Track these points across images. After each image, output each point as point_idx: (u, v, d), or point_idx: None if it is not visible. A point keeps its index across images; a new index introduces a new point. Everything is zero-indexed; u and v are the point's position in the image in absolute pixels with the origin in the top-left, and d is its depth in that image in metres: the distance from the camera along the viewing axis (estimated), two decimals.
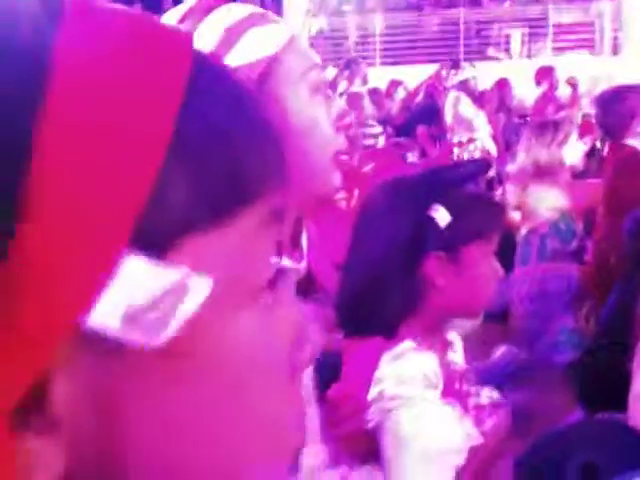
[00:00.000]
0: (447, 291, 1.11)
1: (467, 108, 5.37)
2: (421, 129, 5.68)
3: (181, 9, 0.83)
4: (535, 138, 3.03)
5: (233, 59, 0.79)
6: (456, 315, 1.16)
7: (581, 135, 3.66)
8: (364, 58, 10.01)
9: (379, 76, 8.21)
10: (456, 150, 4.35)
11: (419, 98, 6.54)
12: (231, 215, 0.29)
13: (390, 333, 1.09)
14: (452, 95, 5.53)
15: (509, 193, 3.27)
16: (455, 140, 4.34)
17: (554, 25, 10.11)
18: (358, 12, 11.06)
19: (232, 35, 0.79)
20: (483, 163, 1.21)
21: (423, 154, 4.94)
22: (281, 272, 0.33)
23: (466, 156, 4.31)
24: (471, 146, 4.28)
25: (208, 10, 0.82)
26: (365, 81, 6.85)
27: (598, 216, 2.66)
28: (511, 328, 3.13)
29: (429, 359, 1.08)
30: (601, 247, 2.61)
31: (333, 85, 5.77)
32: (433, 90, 6.03)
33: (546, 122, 3.18)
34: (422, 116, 5.80)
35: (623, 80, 8.26)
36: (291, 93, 0.82)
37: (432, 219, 1.09)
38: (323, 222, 2.90)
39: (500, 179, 4.28)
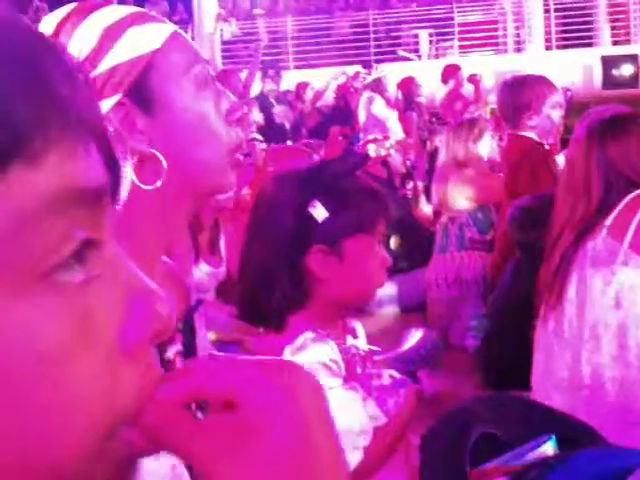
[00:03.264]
0: (332, 283, 1.13)
1: (380, 108, 5.47)
2: (334, 129, 5.76)
3: (62, 11, 0.83)
4: (453, 137, 3.16)
5: (114, 57, 0.79)
6: (346, 304, 1.19)
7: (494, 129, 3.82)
8: (277, 61, 10.07)
9: (292, 79, 8.27)
10: (372, 146, 4.41)
11: (331, 99, 6.63)
12: None
13: (280, 325, 1.12)
14: (365, 95, 5.62)
15: (433, 189, 3.38)
16: (370, 137, 4.42)
17: (459, 24, 10.41)
18: (269, 16, 11.10)
19: (112, 33, 0.80)
20: (361, 156, 1.24)
21: (334, 152, 5.02)
22: (97, 246, 0.31)
23: (383, 153, 4.39)
24: (387, 143, 4.36)
25: (90, 11, 0.82)
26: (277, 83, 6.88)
27: (501, 206, 2.77)
28: (428, 313, 3.23)
29: (328, 347, 1.11)
30: (502, 235, 2.72)
31: (246, 87, 5.77)
32: (345, 91, 6.11)
33: (462, 122, 3.32)
34: (335, 117, 5.88)
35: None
36: (175, 88, 0.83)
37: (312, 215, 1.12)
38: (241, 226, 2.91)
39: (412, 175, 4.39)
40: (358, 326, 1.26)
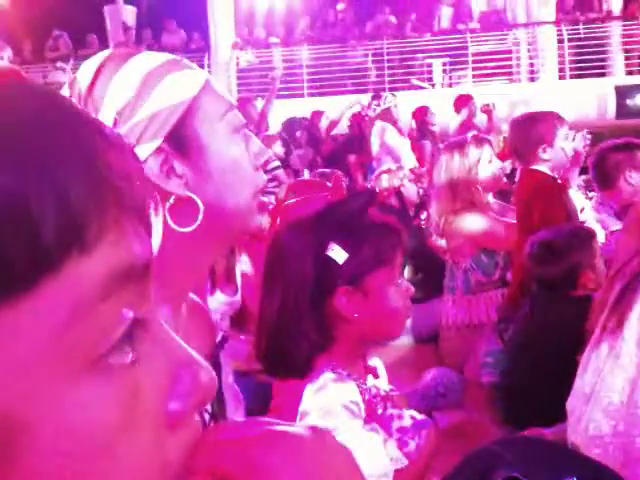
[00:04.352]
0: (359, 321, 1.14)
1: (393, 137, 5.50)
2: (352, 158, 5.79)
3: (98, 59, 0.84)
4: (448, 158, 3.08)
5: (153, 104, 0.81)
6: (372, 341, 1.20)
7: (502, 158, 3.79)
8: (292, 89, 10.16)
9: (306, 107, 8.33)
10: (385, 177, 4.42)
11: (346, 128, 6.67)
12: (33, 285, 0.27)
13: (306, 371, 1.11)
14: (378, 125, 5.65)
15: (433, 216, 3.32)
16: (384, 168, 4.43)
17: (473, 54, 10.48)
18: (285, 44, 11.22)
19: (150, 80, 0.82)
20: (370, 192, 1.24)
21: (351, 182, 5.03)
22: (143, 323, 0.31)
23: (396, 183, 4.39)
24: (400, 173, 4.37)
25: (126, 57, 0.84)
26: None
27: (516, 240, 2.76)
28: (441, 350, 3.20)
29: (349, 388, 1.11)
30: (518, 270, 2.71)
31: (263, 116, 5.81)
32: (359, 120, 6.15)
33: (455, 142, 3.22)
34: (350, 146, 5.91)
35: (540, 105, 8.62)
36: (211, 133, 0.84)
37: (331, 257, 1.12)
38: (256, 255, 2.91)
39: (426, 204, 4.39)
40: (379, 365, 1.25)
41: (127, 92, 0.80)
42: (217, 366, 0.93)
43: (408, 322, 3.61)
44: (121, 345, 0.30)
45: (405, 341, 3.54)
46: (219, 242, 0.89)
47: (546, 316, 2.25)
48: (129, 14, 11.23)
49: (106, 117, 0.80)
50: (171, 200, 0.81)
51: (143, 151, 0.80)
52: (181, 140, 0.82)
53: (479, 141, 3.03)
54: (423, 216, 4.22)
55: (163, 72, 0.82)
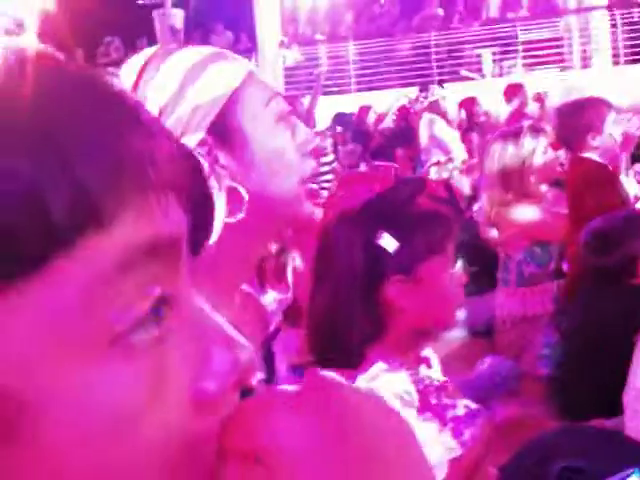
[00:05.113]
0: (411, 310, 1.13)
1: (442, 129, 5.44)
2: (399, 152, 5.75)
3: (143, 55, 0.86)
4: (501, 147, 3.02)
5: (196, 97, 0.82)
6: (424, 330, 1.19)
7: (556, 147, 3.70)
8: (339, 86, 10.15)
9: (354, 102, 8.32)
10: (435, 169, 4.38)
11: (392, 122, 6.63)
12: (46, 263, 0.27)
13: (359, 362, 1.11)
14: (426, 117, 5.61)
15: (484, 206, 3.27)
16: (433, 160, 4.40)
17: (524, 42, 10.28)
18: (331, 40, 11.22)
19: (193, 74, 0.83)
20: (419, 180, 1.24)
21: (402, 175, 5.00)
22: (174, 300, 0.31)
23: (446, 175, 4.35)
24: (449, 165, 4.32)
25: (169, 54, 0.85)
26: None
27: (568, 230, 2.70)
28: (497, 343, 3.16)
29: (401, 378, 1.10)
30: (573, 260, 2.65)
31: (309, 113, 5.83)
32: (406, 113, 6.11)
33: (509, 131, 3.16)
34: (397, 139, 5.88)
35: (594, 92, 8.40)
36: (254, 124, 0.85)
37: (382, 247, 1.12)
38: (308, 251, 2.91)
39: (477, 196, 4.33)
40: (432, 356, 1.24)
41: (170, 87, 0.81)
42: (270, 356, 0.94)
43: (462, 315, 3.59)
44: (146, 322, 0.29)
45: (459, 334, 3.50)
46: (268, 231, 0.90)
47: (603, 306, 2.20)
48: (177, 17, 11.38)
49: (154, 112, 0.81)
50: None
51: (189, 143, 0.81)
52: (224, 131, 0.83)
53: (535, 131, 2.98)
54: (475, 208, 4.17)
55: (205, 65, 0.84)
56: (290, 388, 0.35)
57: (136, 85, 0.83)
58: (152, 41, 11.43)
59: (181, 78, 0.82)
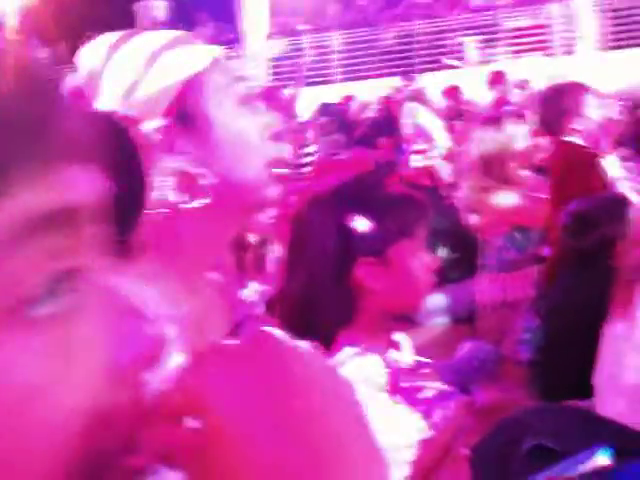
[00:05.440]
0: (381, 293, 1.14)
1: (425, 118, 5.45)
2: (383, 141, 5.76)
3: (104, 39, 0.86)
4: (483, 133, 3.05)
5: (156, 80, 0.82)
6: (394, 313, 1.19)
7: (538, 134, 3.72)
8: (323, 76, 10.13)
9: (338, 92, 8.31)
10: (417, 157, 4.39)
11: (375, 111, 6.64)
12: None
13: (328, 343, 1.12)
14: (409, 106, 5.61)
15: (465, 193, 3.29)
16: (415, 148, 4.41)
17: (507, 30, 10.29)
18: (316, 31, 11.19)
19: (154, 57, 0.83)
20: (388, 164, 1.24)
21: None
22: (78, 274, 0.30)
23: (428, 163, 4.36)
24: (431, 152, 4.34)
25: (130, 37, 0.85)
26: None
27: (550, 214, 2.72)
28: (478, 328, 3.18)
29: (371, 362, 1.11)
30: (553, 244, 2.67)
31: (290, 103, 5.82)
32: (390, 102, 6.11)
33: (491, 117, 3.19)
34: (381, 128, 5.88)
35: (578, 78, 8.41)
36: (215, 107, 0.85)
37: (353, 228, 1.13)
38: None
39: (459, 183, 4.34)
40: (402, 339, 1.25)
41: (131, 71, 0.81)
42: None
43: (444, 302, 3.60)
44: (45, 296, 0.29)
45: (441, 321, 3.52)
46: (233, 216, 0.89)
47: (581, 289, 2.21)
48: (160, 9, 11.33)
49: (112, 97, 0.81)
50: (177, 176, 0.81)
51: (146, 128, 0.81)
52: (185, 115, 0.83)
53: (516, 117, 3.00)
54: (457, 194, 4.18)
55: (166, 49, 0.83)
56: (232, 343, 0.35)
57: (98, 70, 0.83)
58: None
59: (142, 63, 0.82)
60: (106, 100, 0.82)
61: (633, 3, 10.12)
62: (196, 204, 0.82)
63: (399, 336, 1.25)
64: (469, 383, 2.37)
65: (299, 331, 1.17)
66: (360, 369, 1.10)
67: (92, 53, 0.84)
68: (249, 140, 0.87)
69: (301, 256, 1.18)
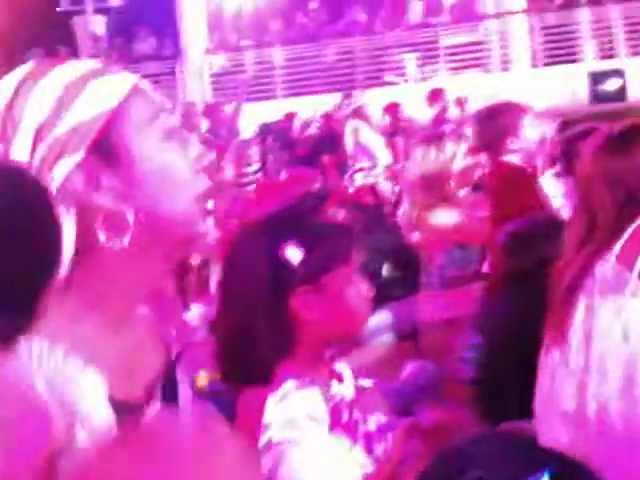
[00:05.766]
0: (318, 322, 1.13)
1: (366, 135, 5.51)
2: (326, 158, 5.78)
3: (19, 72, 0.82)
4: (423, 151, 3.08)
5: (75, 115, 0.79)
6: (333, 342, 1.19)
7: (476, 152, 3.78)
8: (266, 91, 10.13)
9: (280, 108, 8.31)
10: (360, 175, 4.42)
11: (317, 128, 6.67)
12: None
13: (268, 378, 1.10)
14: (351, 124, 5.66)
15: (406, 210, 3.31)
16: (358, 166, 4.45)
17: (445, 47, 10.50)
18: (257, 46, 11.19)
19: (72, 90, 0.79)
20: (322, 192, 1.25)
21: (326, 183, 5.02)
22: None
23: (371, 181, 4.39)
24: (374, 171, 4.38)
25: (46, 70, 0.81)
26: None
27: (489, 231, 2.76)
28: (421, 346, 3.19)
29: (312, 396, 1.09)
30: (493, 263, 2.70)
31: (232, 120, 5.80)
32: (331, 120, 6.15)
33: (432, 135, 3.23)
34: (323, 146, 5.90)
35: (514, 95, 8.64)
36: (140, 141, 0.81)
37: (287, 258, 1.12)
38: None
39: (401, 201, 4.38)
40: (344, 370, 1.24)
41: (47, 106, 0.77)
42: (172, 384, 0.91)
43: (389, 319, 3.60)
44: None
45: (386, 339, 3.53)
46: (162, 253, 0.86)
47: (520, 308, 2.24)
48: (98, 24, 11.16)
49: (26, 134, 0.77)
50: (101, 214, 0.78)
51: (66, 166, 0.77)
52: (107, 150, 0.79)
53: (457, 136, 3.04)
54: (400, 212, 4.21)
55: (84, 81, 0.80)
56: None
57: (10, 105, 0.79)
58: (73, 48, 11.15)
59: (58, 96, 0.78)
60: (19, 142, 0.78)
61: (564, 21, 10.47)
62: (122, 242, 0.79)
63: (340, 366, 1.24)
64: (414, 405, 2.37)
65: (235, 366, 1.16)
66: (301, 404, 1.08)
67: (9, 85, 0.80)
68: (176, 174, 0.84)
69: (235, 287, 1.16)
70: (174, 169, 0.84)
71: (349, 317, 1.16)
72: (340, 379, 1.20)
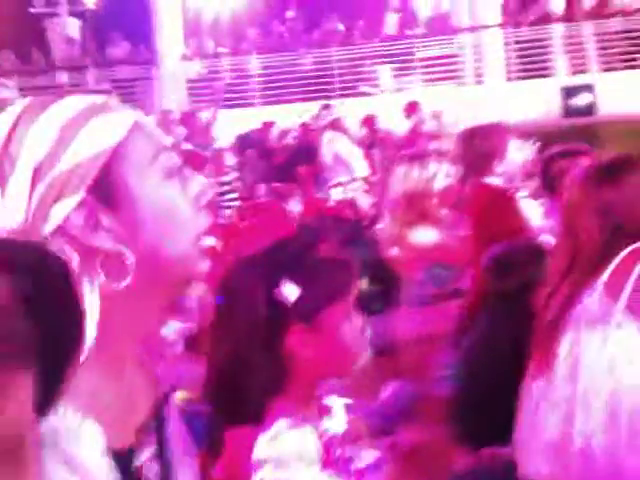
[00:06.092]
0: (313, 360, 1.11)
1: (344, 147, 5.51)
2: (303, 170, 5.77)
3: (16, 107, 0.80)
4: (406, 170, 3.09)
5: (73, 154, 0.76)
6: (327, 379, 1.17)
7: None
8: (243, 99, 10.10)
9: (257, 116, 8.29)
10: (338, 190, 4.42)
11: (295, 139, 6.67)
12: None
13: (261, 416, 1.08)
14: (328, 135, 5.66)
15: (387, 226, 3.32)
16: (335, 181, 4.45)
17: (421, 59, 10.58)
18: (234, 54, 11.16)
19: (71, 128, 0.77)
20: (320, 228, 1.24)
21: (304, 196, 5.02)
22: None
23: (349, 195, 4.40)
24: (353, 185, 4.38)
25: (44, 106, 0.79)
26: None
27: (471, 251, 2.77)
28: (400, 364, 3.19)
29: (305, 434, 1.08)
30: (474, 281, 2.72)
31: (208, 127, 5.77)
32: (308, 130, 6.15)
33: (415, 154, 3.24)
34: (300, 157, 5.90)
35: (487, 108, 8.73)
36: (140, 181, 0.79)
37: (283, 295, 1.10)
38: (211, 279, 2.85)
39: (381, 215, 4.39)
40: (335, 403, 1.22)
41: (45, 144, 0.75)
42: (162, 422, 0.89)
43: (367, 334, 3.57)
44: None
45: (364, 355, 3.52)
46: (161, 294, 0.85)
47: (500, 331, 2.25)
48: (72, 27, 11.03)
49: (24, 173, 0.75)
50: (101, 255, 0.76)
51: (65, 206, 0.75)
52: (107, 190, 0.77)
53: (440, 155, 3.07)
54: (378, 226, 4.23)
55: (84, 119, 0.77)
56: None
57: (7, 143, 0.76)
58: (46, 51, 11.00)
59: (57, 135, 0.76)
60: (16, 181, 0.75)
61: (538, 36, 10.62)
62: (121, 284, 0.77)
63: (331, 400, 1.23)
64: (395, 425, 2.37)
65: (227, 403, 1.14)
66: (292, 444, 1.07)
67: (2, 125, 0.77)
68: (177, 214, 0.82)
69: (229, 323, 1.14)
70: (175, 209, 0.82)
71: (344, 354, 1.15)
72: (330, 413, 1.19)
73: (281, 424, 1.07)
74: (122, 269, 0.77)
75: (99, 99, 0.83)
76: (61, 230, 0.76)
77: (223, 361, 1.13)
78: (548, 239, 2.86)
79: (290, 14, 11.45)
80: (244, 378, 1.10)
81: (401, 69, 10.56)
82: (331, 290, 1.14)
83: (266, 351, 1.10)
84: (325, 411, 1.18)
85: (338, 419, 1.20)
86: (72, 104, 0.79)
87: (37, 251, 0.62)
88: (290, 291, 1.10)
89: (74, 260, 0.74)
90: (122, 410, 0.81)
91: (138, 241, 0.79)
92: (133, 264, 0.78)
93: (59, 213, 0.75)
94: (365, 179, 4.95)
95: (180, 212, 0.82)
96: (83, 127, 0.77)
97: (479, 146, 2.69)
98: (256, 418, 1.10)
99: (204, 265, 0.86)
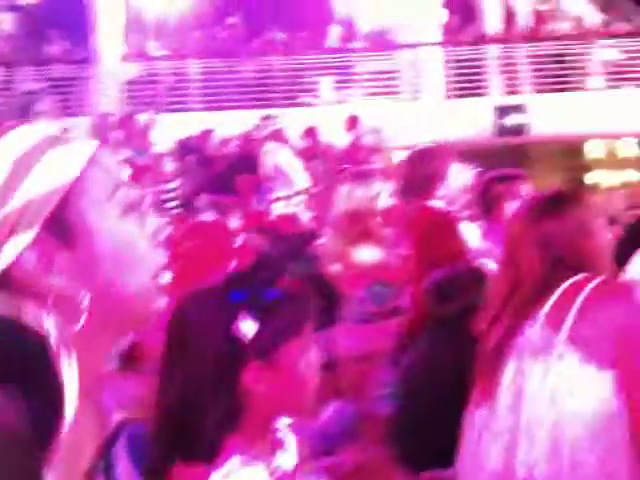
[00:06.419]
0: (268, 396, 1.10)
1: (285, 159, 5.52)
2: (242, 180, 5.74)
3: None
4: (351, 188, 3.15)
5: (27, 190, 0.74)
6: (281, 414, 1.16)
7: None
8: (182, 103, 9.98)
9: (196, 121, 8.21)
10: (280, 204, 4.42)
11: (235, 147, 6.63)
12: None
13: (214, 454, 1.07)
14: (269, 146, 5.65)
15: (329, 243, 3.35)
16: (276, 195, 4.44)
17: (360, 73, 10.69)
18: (175, 57, 11.01)
19: (24, 163, 0.74)
20: (279, 263, 1.23)
21: (245, 208, 4.99)
22: None
23: (290, 210, 4.40)
24: (295, 199, 4.38)
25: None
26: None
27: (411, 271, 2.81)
28: (339, 381, 3.21)
29: (256, 472, 1.07)
30: (414, 301, 2.76)
31: (146, 130, 5.67)
32: (249, 140, 6.12)
33: (361, 173, 3.31)
34: (240, 167, 5.86)
35: (423, 124, 8.87)
36: (96, 217, 0.77)
37: (241, 331, 1.08)
38: None
39: (321, 230, 4.41)
40: (288, 436, 1.22)
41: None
42: (110, 463, 0.87)
43: None
44: None
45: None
46: (116, 333, 0.83)
47: (443, 352, 2.30)
48: (7, 22, 10.68)
49: None
50: (54, 295, 0.73)
51: (17, 244, 0.72)
52: (62, 226, 0.74)
53: (385, 175, 3.13)
54: (320, 242, 4.24)
55: (39, 152, 0.75)
56: None
57: None
58: None
59: (10, 169, 0.74)
60: None
61: (474, 55, 10.89)
62: (74, 326, 0.75)
63: (283, 433, 1.23)
64: (335, 446, 2.38)
65: (177, 441, 1.12)
66: None
67: None
68: (134, 250, 0.80)
69: (180, 357, 1.11)
70: (133, 244, 0.80)
71: (300, 390, 1.14)
72: (284, 447, 1.19)
73: (234, 462, 1.06)
74: (75, 310, 0.75)
75: (53, 129, 0.81)
76: (13, 270, 0.73)
77: (175, 397, 1.10)
78: (486, 262, 2.94)
79: (231, 20, 11.38)
80: (197, 415, 1.08)
81: (341, 81, 10.65)
82: (289, 326, 1.13)
83: (220, 388, 1.08)
84: (278, 445, 1.18)
85: (290, 453, 1.20)
86: (26, 136, 0.77)
87: (14, 329, 0.60)
88: (248, 327, 1.09)
89: (52, 335, 0.72)
90: (73, 458, 0.79)
91: (96, 277, 0.77)
92: (87, 307, 0.76)
93: (11, 252, 0.73)
94: (306, 191, 4.97)
95: (138, 247, 0.81)
96: (38, 161, 0.75)
97: (425, 168, 2.74)
98: (210, 457, 1.08)
99: (162, 302, 0.85)
